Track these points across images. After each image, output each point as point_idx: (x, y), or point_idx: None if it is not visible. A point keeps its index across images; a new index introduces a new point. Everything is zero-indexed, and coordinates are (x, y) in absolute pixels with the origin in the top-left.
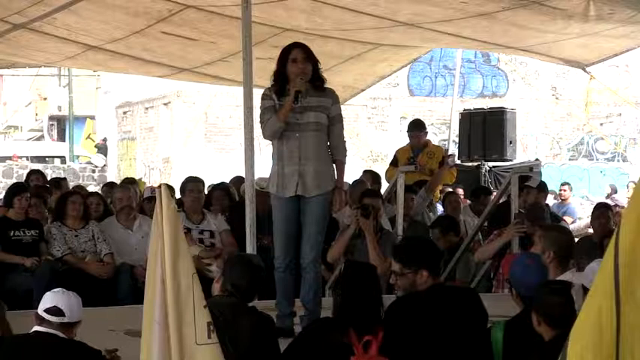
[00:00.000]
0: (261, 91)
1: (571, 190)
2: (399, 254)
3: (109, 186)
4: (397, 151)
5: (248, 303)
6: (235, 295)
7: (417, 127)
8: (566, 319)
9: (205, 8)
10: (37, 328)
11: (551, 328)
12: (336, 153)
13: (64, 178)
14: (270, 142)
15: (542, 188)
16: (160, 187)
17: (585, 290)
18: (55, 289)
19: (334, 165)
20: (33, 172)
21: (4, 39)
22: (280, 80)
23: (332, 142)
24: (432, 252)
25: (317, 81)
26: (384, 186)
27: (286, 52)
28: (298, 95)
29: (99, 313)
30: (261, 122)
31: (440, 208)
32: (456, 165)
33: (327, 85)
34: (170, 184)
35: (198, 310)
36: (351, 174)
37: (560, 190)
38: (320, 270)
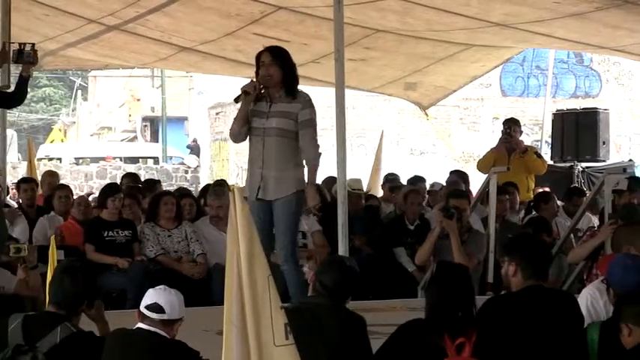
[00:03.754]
0: (354, 92)
1: None
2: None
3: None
4: (490, 151)
5: (342, 304)
6: (327, 295)
7: (517, 125)
8: None
9: (297, 10)
10: (139, 325)
11: None
12: (305, 156)
13: (158, 181)
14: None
15: (634, 187)
16: (232, 189)
17: None
18: (158, 287)
19: (305, 167)
20: (125, 176)
21: (97, 40)
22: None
23: (301, 146)
24: (526, 247)
25: (289, 85)
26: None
27: (257, 56)
28: (240, 96)
29: (192, 313)
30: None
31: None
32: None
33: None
34: None
35: (275, 312)
36: (443, 174)
37: None
38: (295, 267)
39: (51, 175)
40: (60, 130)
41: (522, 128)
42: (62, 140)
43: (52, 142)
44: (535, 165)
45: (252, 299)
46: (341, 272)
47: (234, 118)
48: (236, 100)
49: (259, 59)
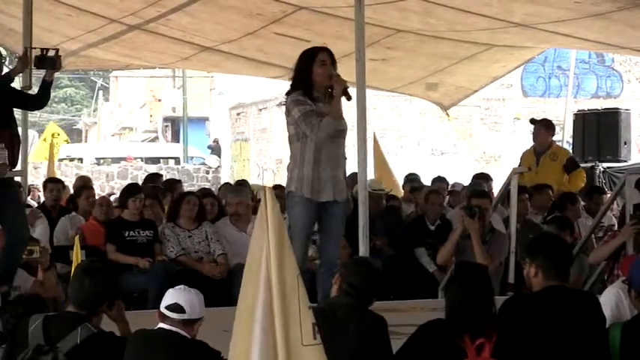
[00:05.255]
0: (375, 92)
1: None
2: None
3: (226, 187)
4: (522, 154)
5: (366, 305)
6: (354, 296)
7: (540, 127)
8: None
9: (318, 9)
10: (160, 325)
11: None
12: None
13: (179, 181)
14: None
15: None
16: (265, 188)
17: None
18: (177, 287)
19: None
20: (149, 178)
21: (119, 40)
22: (305, 84)
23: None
24: (546, 248)
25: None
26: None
27: (312, 55)
28: (348, 92)
29: (213, 313)
30: (309, 124)
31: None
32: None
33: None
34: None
35: (304, 311)
36: (465, 175)
37: None
38: None
39: (83, 180)
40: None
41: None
42: (65, 141)
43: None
44: (572, 179)
45: (281, 298)
46: (368, 273)
47: (327, 119)
48: (349, 99)
49: (314, 58)
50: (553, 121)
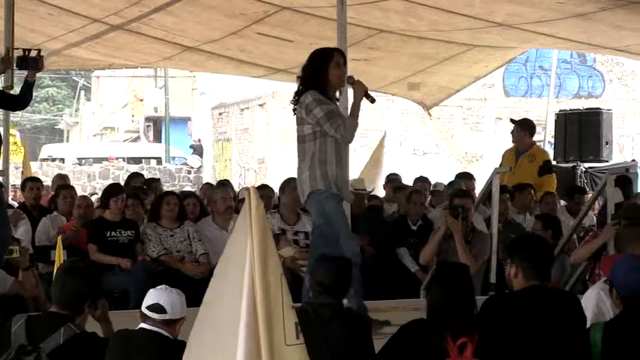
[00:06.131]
0: None
1: None
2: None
3: (208, 187)
4: (503, 154)
5: (342, 299)
6: (325, 293)
7: (520, 127)
8: None
9: (301, 10)
10: (142, 325)
11: None
12: None
13: (158, 179)
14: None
15: (626, 189)
16: (249, 188)
17: None
18: (159, 287)
19: None
20: (134, 176)
21: (101, 40)
22: (319, 84)
23: None
24: (526, 248)
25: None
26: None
27: (328, 55)
28: (370, 95)
29: (194, 313)
30: (334, 124)
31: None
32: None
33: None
34: (267, 184)
35: (287, 311)
36: (446, 175)
37: None
38: None
39: (62, 178)
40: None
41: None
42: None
43: None
44: (543, 183)
45: (265, 298)
46: (335, 270)
47: (352, 119)
48: (373, 100)
49: (330, 59)
50: (535, 121)
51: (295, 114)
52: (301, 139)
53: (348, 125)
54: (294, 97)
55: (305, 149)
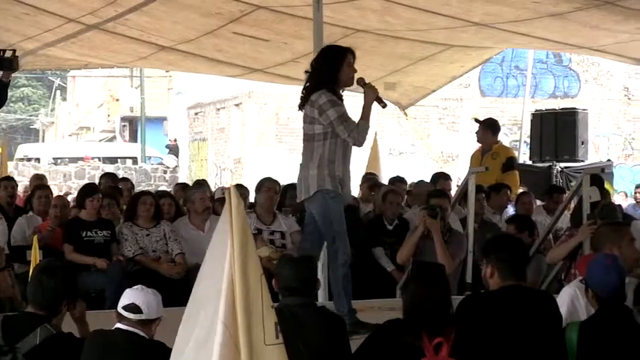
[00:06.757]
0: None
1: None
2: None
3: (181, 187)
4: (471, 155)
5: (312, 298)
6: (295, 294)
7: (484, 127)
8: None
9: (277, 9)
10: (118, 325)
11: None
12: None
13: (127, 179)
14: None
15: (597, 182)
16: (229, 187)
17: None
18: (135, 287)
19: None
20: (103, 176)
21: (77, 40)
22: (331, 83)
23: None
24: (501, 248)
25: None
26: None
27: (341, 55)
28: (381, 99)
29: (170, 313)
30: (348, 127)
31: (511, 210)
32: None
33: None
34: (242, 184)
35: (267, 311)
36: (422, 175)
37: (636, 192)
38: None
39: (39, 178)
40: None
41: (501, 128)
42: None
43: None
44: (504, 179)
45: (244, 298)
46: (299, 267)
47: (364, 122)
48: (384, 105)
49: (344, 59)
50: (511, 121)
51: (302, 110)
52: (310, 138)
53: (361, 129)
54: (302, 92)
55: (313, 148)
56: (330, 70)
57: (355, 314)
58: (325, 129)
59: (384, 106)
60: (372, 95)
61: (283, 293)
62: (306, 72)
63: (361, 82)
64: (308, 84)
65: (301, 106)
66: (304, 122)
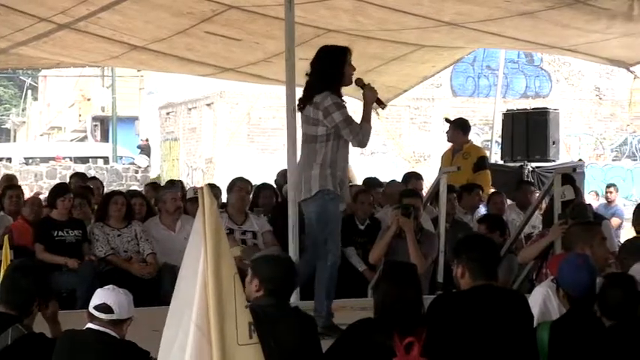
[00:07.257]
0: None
1: (617, 192)
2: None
3: (152, 186)
4: (442, 155)
5: (288, 301)
6: (272, 295)
7: (454, 126)
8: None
9: (249, 9)
10: (89, 325)
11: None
12: None
13: (96, 178)
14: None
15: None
16: (202, 187)
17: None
18: (106, 287)
19: None
20: (73, 176)
21: (48, 39)
22: (335, 84)
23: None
24: (472, 248)
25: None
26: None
27: (344, 55)
28: (381, 100)
29: (142, 313)
30: (353, 130)
31: (482, 210)
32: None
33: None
34: (213, 184)
35: (240, 311)
36: (394, 175)
37: (607, 192)
38: None
39: (9, 179)
40: None
41: (472, 128)
42: None
43: None
44: (476, 179)
45: (217, 298)
46: (278, 267)
47: (367, 124)
48: (384, 106)
49: (345, 58)
50: (482, 121)
51: (302, 111)
52: (312, 139)
53: (365, 131)
54: (303, 93)
55: (315, 149)
56: (333, 71)
57: (332, 318)
58: (328, 131)
59: (384, 107)
60: (371, 96)
61: (258, 292)
62: (306, 74)
63: (360, 82)
64: (309, 85)
65: (302, 108)
66: (305, 123)
